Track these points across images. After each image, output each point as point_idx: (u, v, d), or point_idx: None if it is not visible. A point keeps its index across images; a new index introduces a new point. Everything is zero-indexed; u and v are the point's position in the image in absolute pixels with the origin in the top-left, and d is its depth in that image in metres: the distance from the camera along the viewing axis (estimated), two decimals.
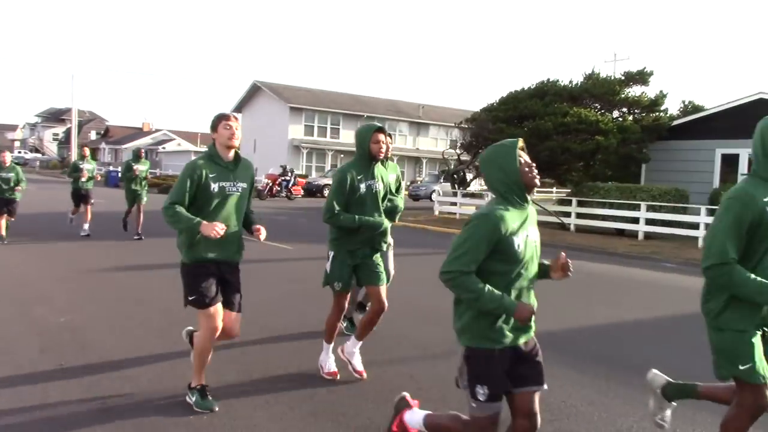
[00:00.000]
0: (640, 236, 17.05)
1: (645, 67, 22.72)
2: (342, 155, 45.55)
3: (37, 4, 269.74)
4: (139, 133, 73.85)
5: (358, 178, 4.73)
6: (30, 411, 4.20)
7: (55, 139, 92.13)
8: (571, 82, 23.30)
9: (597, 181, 20.87)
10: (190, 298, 4.20)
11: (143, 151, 14.32)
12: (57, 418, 4.11)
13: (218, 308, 4.21)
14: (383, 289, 4.95)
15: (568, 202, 19.44)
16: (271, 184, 31.85)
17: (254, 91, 48.17)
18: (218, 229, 3.97)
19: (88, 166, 13.64)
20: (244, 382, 4.89)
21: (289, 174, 33.06)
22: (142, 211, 13.30)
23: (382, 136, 4.78)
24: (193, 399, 4.29)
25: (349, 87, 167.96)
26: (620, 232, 18.14)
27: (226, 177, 4.19)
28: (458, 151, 27.55)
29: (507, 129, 21.40)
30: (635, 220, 17.33)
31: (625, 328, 7.34)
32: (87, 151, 14.18)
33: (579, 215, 18.80)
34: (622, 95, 22.39)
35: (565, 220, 18.72)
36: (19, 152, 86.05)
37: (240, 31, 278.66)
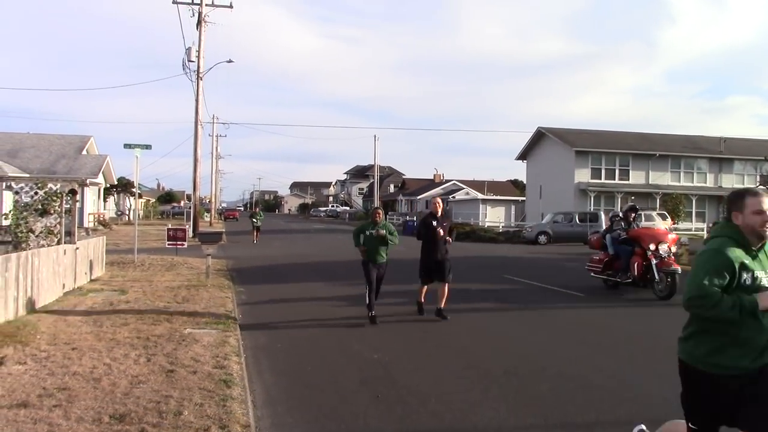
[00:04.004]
0: None
1: None
2: (632, 197, 43.29)
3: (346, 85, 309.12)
4: (431, 184, 78.87)
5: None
6: None
7: (360, 193, 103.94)
8: None
9: None
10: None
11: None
12: None
13: None
14: None
15: None
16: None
17: (538, 137, 48.58)
18: None
19: None
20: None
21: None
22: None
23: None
24: None
25: (637, 126, 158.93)
26: None
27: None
28: None
29: None
30: None
31: None
32: None
33: None
34: None
35: None
36: (332, 206, 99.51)
37: (524, 81, 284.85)
